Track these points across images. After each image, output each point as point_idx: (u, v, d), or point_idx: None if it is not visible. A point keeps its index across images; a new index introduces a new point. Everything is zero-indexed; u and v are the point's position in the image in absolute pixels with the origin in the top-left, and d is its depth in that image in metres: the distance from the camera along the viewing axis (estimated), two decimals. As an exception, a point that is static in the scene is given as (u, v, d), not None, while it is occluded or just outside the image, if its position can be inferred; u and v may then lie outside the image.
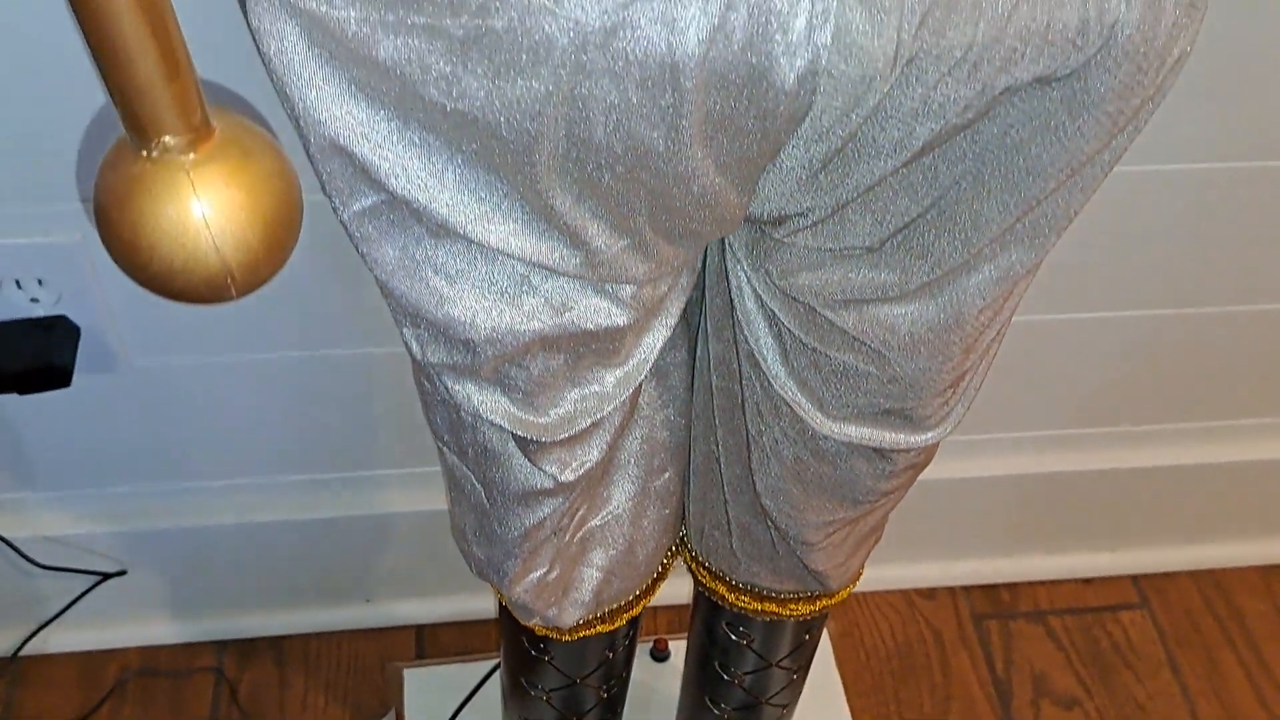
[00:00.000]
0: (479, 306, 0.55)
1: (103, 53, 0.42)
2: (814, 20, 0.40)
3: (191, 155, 0.46)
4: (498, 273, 0.54)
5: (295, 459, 1.22)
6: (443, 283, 0.55)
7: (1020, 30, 0.42)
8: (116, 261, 0.48)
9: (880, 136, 0.47)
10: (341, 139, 0.47)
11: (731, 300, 0.66)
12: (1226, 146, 1.01)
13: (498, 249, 0.52)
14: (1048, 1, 0.41)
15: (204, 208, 0.46)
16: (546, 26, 0.41)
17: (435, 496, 1.21)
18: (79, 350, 1.07)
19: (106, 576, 1.26)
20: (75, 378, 1.06)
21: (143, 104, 0.44)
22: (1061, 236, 0.54)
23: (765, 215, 0.55)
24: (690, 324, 0.73)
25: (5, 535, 1.20)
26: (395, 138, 0.48)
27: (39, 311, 1.05)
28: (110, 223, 0.47)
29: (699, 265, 0.66)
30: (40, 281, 1.04)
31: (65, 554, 1.24)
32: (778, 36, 0.40)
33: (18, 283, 1.03)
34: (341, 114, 0.47)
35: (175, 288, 0.47)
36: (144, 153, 0.46)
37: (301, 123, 0.48)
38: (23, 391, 1.05)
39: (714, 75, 0.42)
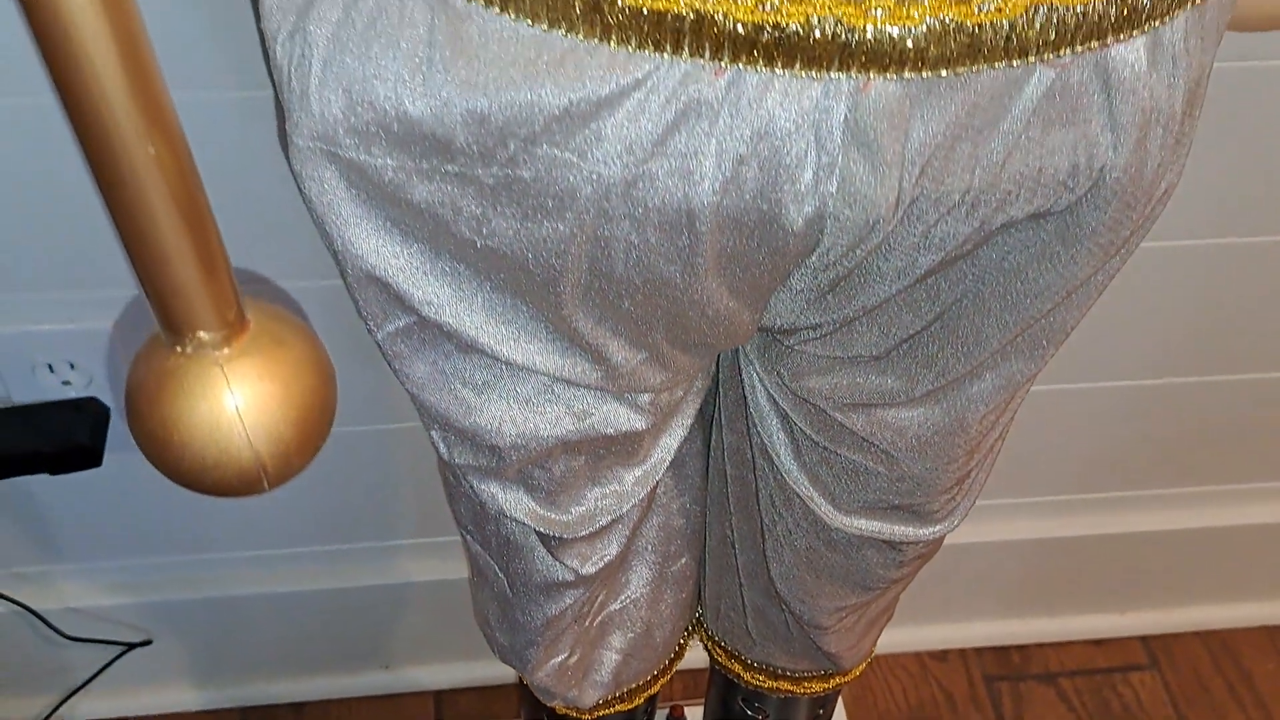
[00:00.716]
0: (505, 416, 0.58)
1: (139, 254, 0.41)
2: (820, 172, 0.43)
3: (226, 350, 0.45)
4: (522, 385, 0.57)
5: (315, 530, 1.24)
6: (470, 394, 0.57)
7: (1014, 175, 0.45)
8: (148, 456, 0.45)
9: (884, 265, 0.50)
10: (377, 271, 0.50)
11: (744, 396, 0.69)
12: (1224, 223, 1.04)
13: (523, 365, 0.54)
14: (1040, 149, 0.44)
15: (238, 402, 0.44)
16: (571, 177, 0.44)
17: (452, 565, 1.23)
18: (109, 430, 1.10)
19: (132, 646, 1.28)
20: (105, 456, 1.09)
21: (179, 303, 0.43)
22: (1060, 348, 0.57)
23: (776, 326, 0.58)
24: (704, 414, 0.75)
25: (33, 606, 1.23)
26: (427, 268, 0.51)
27: (71, 393, 1.09)
28: (142, 418, 0.45)
29: (713, 368, 0.69)
30: (72, 365, 1.07)
31: (92, 624, 1.26)
32: (787, 186, 0.43)
33: (50, 367, 1.06)
34: (377, 248, 0.50)
35: (207, 483, 0.45)
36: (178, 348, 0.44)
37: (340, 256, 0.51)
38: (54, 472, 1.08)
39: (727, 219, 0.45)
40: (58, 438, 1.06)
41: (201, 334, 0.44)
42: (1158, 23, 0.42)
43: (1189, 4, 0.43)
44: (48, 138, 0.88)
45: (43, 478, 1.12)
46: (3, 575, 1.24)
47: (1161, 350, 1.15)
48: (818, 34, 0.39)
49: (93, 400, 1.09)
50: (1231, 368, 1.19)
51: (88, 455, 1.07)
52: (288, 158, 0.49)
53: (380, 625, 1.33)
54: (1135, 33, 0.42)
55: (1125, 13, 0.41)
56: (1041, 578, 1.36)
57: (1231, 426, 1.24)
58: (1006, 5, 0.39)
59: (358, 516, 1.24)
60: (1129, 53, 0.43)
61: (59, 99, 0.34)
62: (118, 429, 1.12)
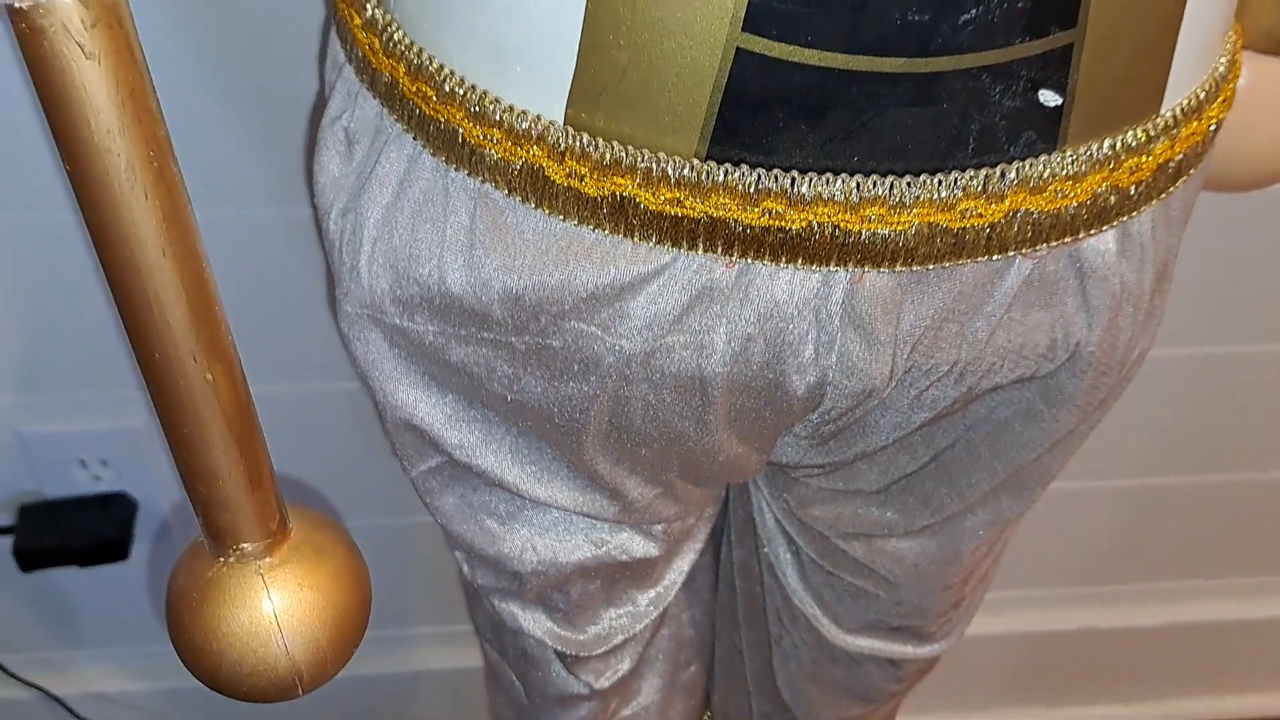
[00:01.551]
0: (527, 545, 0.62)
1: (189, 470, 0.42)
2: (820, 349, 0.47)
3: (268, 559, 0.45)
4: (544, 517, 0.61)
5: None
6: (495, 525, 0.62)
7: (997, 349, 0.49)
8: (186, 663, 0.47)
9: (881, 420, 0.54)
10: (415, 419, 0.55)
11: (753, 516, 0.73)
12: (1218, 333, 1.08)
13: (545, 501, 0.59)
14: (1020, 327, 0.49)
15: (276, 610, 0.45)
16: (596, 348, 0.48)
17: (465, 654, 1.26)
18: (135, 523, 1.14)
19: (150, 732, 1.31)
20: (131, 548, 1.13)
21: (225, 516, 0.44)
22: (1047, 488, 0.61)
23: (782, 463, 0.62)
24: (714, 529, 0.79)
25: (55, 691, 1.26)
26: (460, 416, 0.55)
27: (101, 488, 1.13)
28: (182, 627, 0.46)
29: (723, 495, 0.73)
30: (104, 461, 1.11)
31: (113, 710, 1.29)
32: (790, 360, 0.47)
33: (83, 463, 1.11)
34: (415, 399, 0.54)
35: (243, 689, 0.46)
36: (221, 559, 0.45)
37: (380, 404, 0.55)
38: (84, 564, 1.12)
39: (737, 384, 0.49)
40: (88, 533, 1.10)
41: (245, 545, 0.44)
42: (1126, 218, 0.47)
43: (1154, 199, 0.48)
44: (85, 248, 0.93)
45: (69, 567, 1.16)
46: (26, 660, 1.27)
47: (1165, 451, 1.19)
48: (818, 236, 0.43)
49: (121, 495, 1.13)
50: (1232, 467, 1.22)
51: (116, 549, 1.11)
52: (336, 319, 0.54)
53: (396, 713, 1.36)
54: (1105, 227, 0.47)
55: (1095, 212, 0.46)
56: (1042, 670, 1.39)
57: (1230, 524, 1.27)
58: (987, 211, 0.44)
59: (375, 605, 1.27)
60: (1100, 244, 0.47)
61: (124, 329, 0.37)
62: (144, 522, 1.16)
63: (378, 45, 0.47)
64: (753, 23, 0.40)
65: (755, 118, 0.42)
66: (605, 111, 0.43)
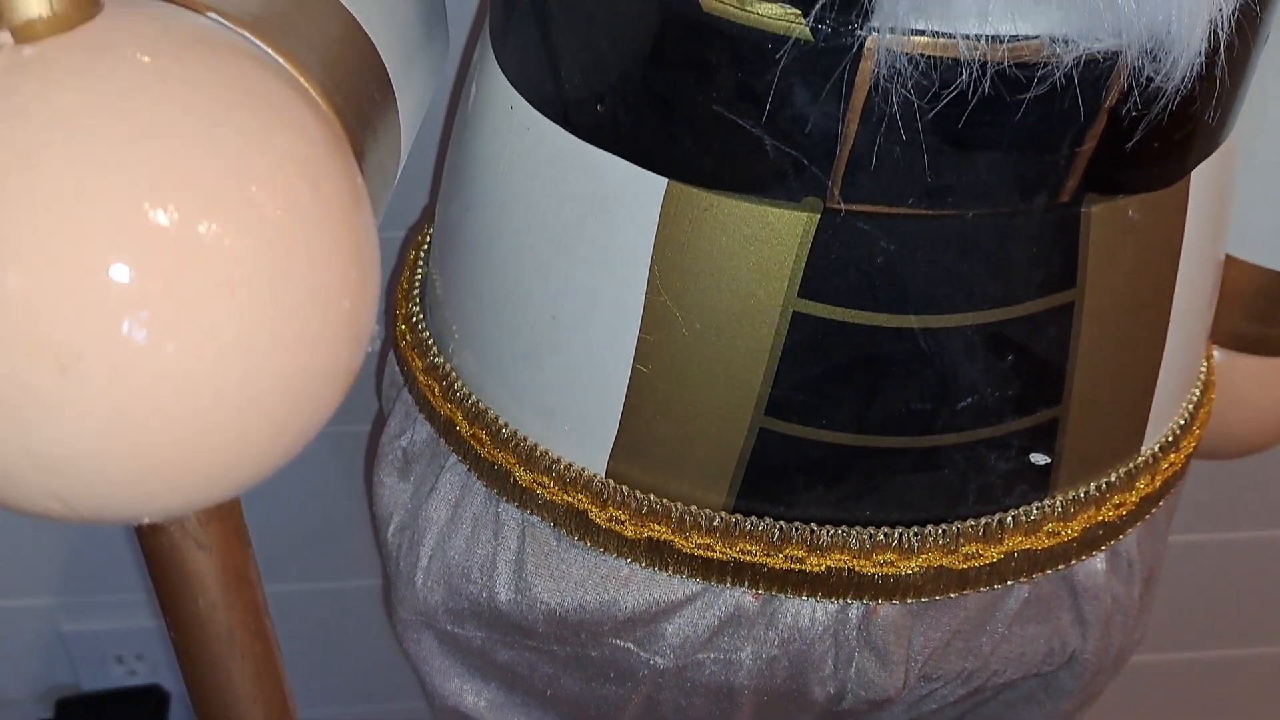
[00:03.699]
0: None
1: None
2: (839, 665, 0.51)
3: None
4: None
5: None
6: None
7: (1001, 658, 0.54)
8: None
9: (895, 710, 0.58)
10: (461, 706, 0.59)
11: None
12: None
13: None
14: (1020, 639, 0.53)
15: None
16: (632, 661, 0.53)
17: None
18: (169, 714, 1.17)
19: None
20: (162, 735, 1.16)
21: None
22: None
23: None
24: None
25: None
26: (501, 702, 0.59)
27: (136, 681, 1.16)
28: None
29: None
30: (139, 656, 1.15)
31: None
32: (811, 674, 0.52)
33: (119, 658, 1.15)
34: (461, 689, 0.59)
35: None
36: None
37: (428, 691, 0.60)
38: (119, 757, 1.15)
39: (762, 691, 0.53)
40: (123, 726, 1.14)
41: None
42: (1114, 542, 0.52)
43: (1139, 522, 0.53)
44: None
45: (101, 753, 1.19)
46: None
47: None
48: (835, 577, 0.48)
49: (155, 688, 1.17)
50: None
51: (150, 742, 1.14)
52: (390, 619, 0.58)
53: None
54: (1095, 553, 0.51)
55: (1086, 542, 0.50)
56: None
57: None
58: (987, 553, 0.49)
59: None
60: (1090, 565, 0.52)
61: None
62: (176, 713, 1.19)
63: (437, 390, 0.53)
64: (775, 409, 0.45)
65: (777, 480, 0.47)
66: (643, 467, 0.48)
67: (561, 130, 0.44)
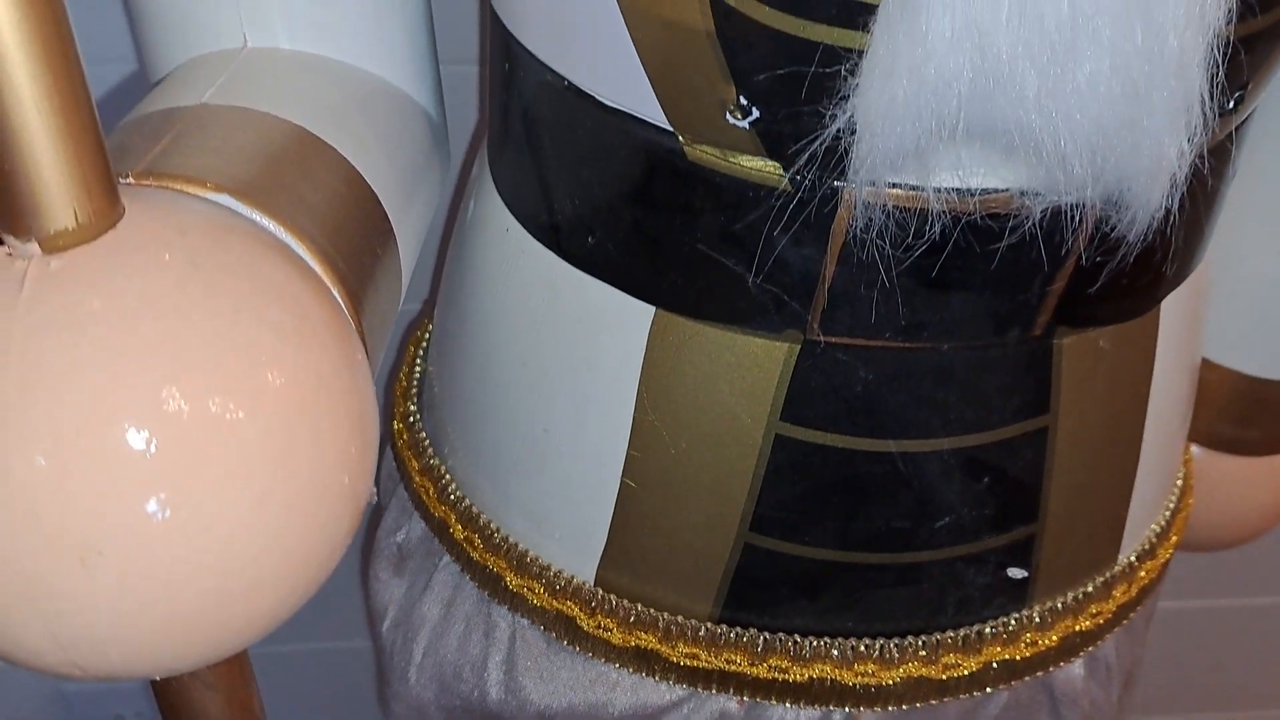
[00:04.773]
0: None
1: None
2: None
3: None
4: None
5: None
6: None
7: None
8: None
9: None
10: None
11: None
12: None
13: None
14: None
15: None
16: None
17: None
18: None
19: None
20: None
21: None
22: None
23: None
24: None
25: None
26: None
27: (134, 736, 1.18)
28: None
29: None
30: (139, 714, 1.16)
31: None
32: None
33: (119, 717, 1.16)
34: None
35: None
36: None
37: None
38: (115, 815, 1.16)
39: None
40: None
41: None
42: (1092, 648, 0.53)
43: (1117, 627, 0.54)
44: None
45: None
46: None
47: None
48: (817, 686, 0.49)
49: (154, 744, 1.18)
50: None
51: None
52: (383, 711, 0.60)
53: None
54: (1073, 659, 0.53)
55: (1064, 650, 0.52)
56: None
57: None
58: (966, 663, 0.50)
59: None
60: (1069, 671, 0.53)
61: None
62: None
63: (432, 492, 0.54)
64: (759, 525, 0.46)
65: (762, 592, 0.48)
66: (631, 576, 0.49)
67: (555, 256, 0.46)
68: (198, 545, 0.26)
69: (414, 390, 0.59)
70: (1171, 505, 0.56)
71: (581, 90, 0.41)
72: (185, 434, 0.26)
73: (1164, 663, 1.16)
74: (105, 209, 0.27)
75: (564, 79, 0.42)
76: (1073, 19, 0.31)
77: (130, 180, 0.32)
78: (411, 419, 0.57)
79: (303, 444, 0.28)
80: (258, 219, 0.33)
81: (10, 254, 0.26)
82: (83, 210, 0.26)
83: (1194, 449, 0.64)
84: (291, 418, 0.28)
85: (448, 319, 0.54)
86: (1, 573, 0.26)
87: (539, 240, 0.46)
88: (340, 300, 0.34)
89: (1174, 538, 0.55)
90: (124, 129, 0.38)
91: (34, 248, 0.26)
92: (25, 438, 0.25)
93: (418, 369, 0.60)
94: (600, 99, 0.41)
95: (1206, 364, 0.61)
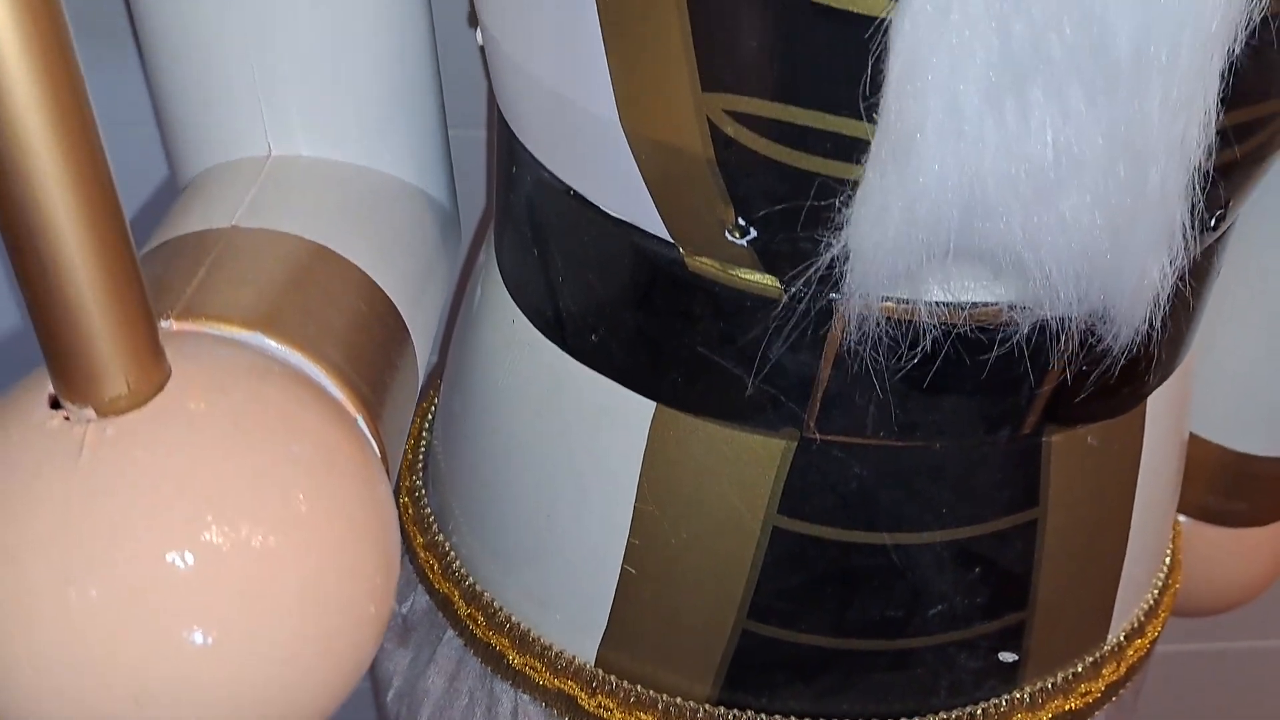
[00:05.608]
0: None
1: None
2: None
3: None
4: None
5: None
6: None
7: None
8: None
9: None
10: None
11: None
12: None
13: None
14: None
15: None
16: None
17: None
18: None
19: None
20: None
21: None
22: None
23: None
24: None
25: None
26: None
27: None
28: None
29: None
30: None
31: None
32: None
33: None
34: None
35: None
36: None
37: None
38: None
39: None
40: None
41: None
42: (1082, 725, 0.54)
43: (1107, 704, 0.55)
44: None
45: None
46: None
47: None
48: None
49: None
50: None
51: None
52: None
53: None
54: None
55: (1054, 729, 0.53)
56: None
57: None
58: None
59: None
60: None
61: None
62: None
63: (437, 568, 0.56)
64: (756, 613, 0.48)
65: (760, 676, 0.49)
66: (631, 657, 0.51)
67: (559, 349, 0.47)
68: (241, 680, 0.29)
69: (419, 464, 0.60)
70: (1160, 583, 0.57)
71: (585, 198, 0.43)
72: (225, 567, 0.28)
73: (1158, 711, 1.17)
74: (153, 374, 0.29)
75: (568, 186, 0.43)
76: (1057, 159, 0.33)
77: (172, 322, 0.35)
78: (417, 493, 0.59)
79: (331, 574, 0.30)
80: (288, 355, 0.35)
81: (69, 418, 0.28)
82: (133, 378, 0.28)
83: (1183, 519, 0.66)
84: (322, 552, 0.30)
85: (453, 400, 0.55)
86: (60, 703, 0.28)
87: (543, 333, 0.48)
88: (364, 425, 0.36)
89: (1162, 614, 0.56)
90: (162, 254, 0.40)
91: (90, 413, 0.28)
92: (82, 575, 0.27)
93: (424, 442, 0.61)
94: (603, 208, 0.42)
95: (1194, 439, 0.62)
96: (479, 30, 0.46)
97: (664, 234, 0.41)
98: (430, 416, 0.62)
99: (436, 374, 0.70)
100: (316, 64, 0.46)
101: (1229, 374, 0.60)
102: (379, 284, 0.42)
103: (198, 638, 0.28)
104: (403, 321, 0.43)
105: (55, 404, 0.29)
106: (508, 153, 0.47)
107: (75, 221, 0.25)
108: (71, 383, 0.28)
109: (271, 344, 0.35)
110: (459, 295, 0.73)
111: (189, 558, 0.28)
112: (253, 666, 0.29)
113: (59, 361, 0.27)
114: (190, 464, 0.29)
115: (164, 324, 0.35)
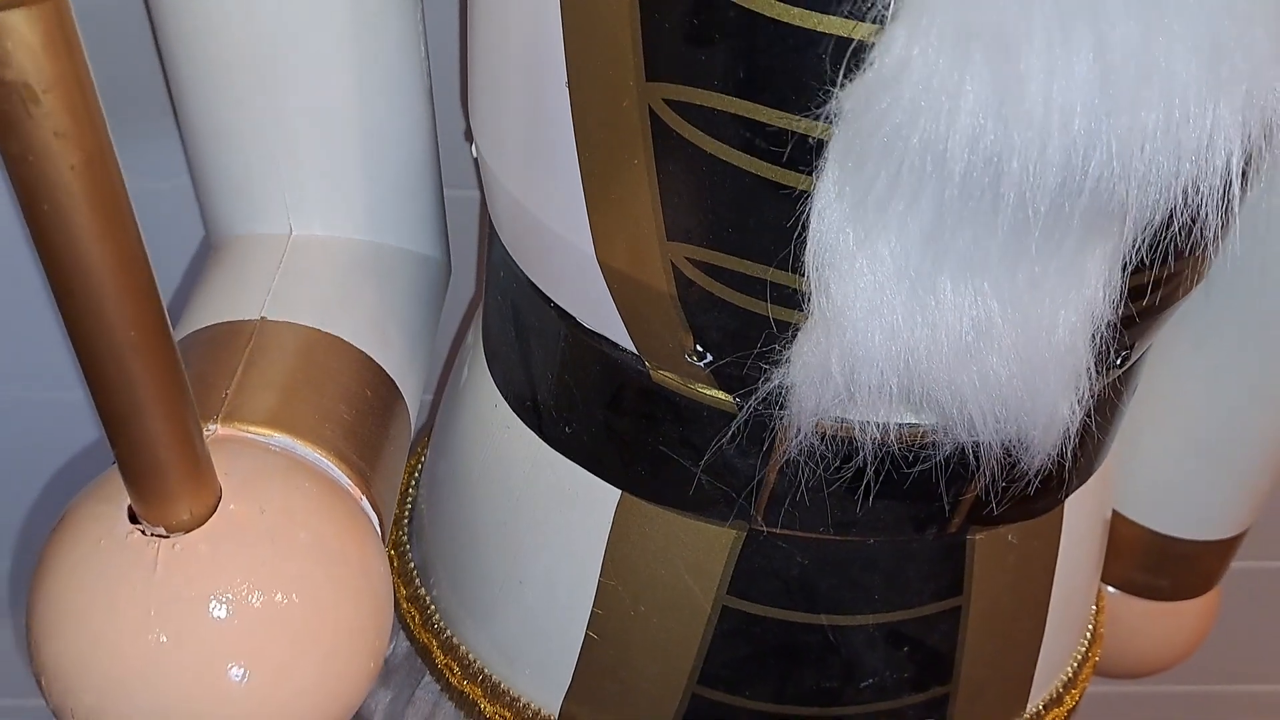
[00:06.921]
0: None
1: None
2: None
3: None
4: None
5: None
6: None
7: None
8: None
9: None
10: None
11: None
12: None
13: None
14: None
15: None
16: None
17: None
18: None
19: None
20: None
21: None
22: None
23: None
24: None
25: None
26: None
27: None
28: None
29: None
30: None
31: None
32: None
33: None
34: None
35: None
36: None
37: None
38: None
39: None
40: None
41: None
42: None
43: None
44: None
45: None
46: None
47: None
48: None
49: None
50: None
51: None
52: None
53: None
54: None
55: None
56: None
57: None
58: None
59: None
60: None
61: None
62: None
63: (418, 619, 0.60)
64: (706, 680, 0.53)
65: (709, 734, 0.55)
66: (592, 712, 0.56)
67: (536, 436, 0.52)
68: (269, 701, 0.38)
69: (405, 519, 0.65)
70: (1080, 656, 0.62)
71: (563, 309, 0.48)
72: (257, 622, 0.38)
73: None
74: (208, 499, 0.38)
75: (549, 298, 0.48)
76: (975, 326, 0.38)
77: (217, 427, 0.42)
78: (403, 547, 0.63)
79: (343, 634, 0.40)
80: (309, 454, 0.43)
81: (145, 533, 0.37)
82: (194, 507, 0.37)
83: (1111, 590, 0.71)
84: (336, 618, 0.39)
85: (438, 465, 0.60)
86: None
87: (522, 419, 0.53)
88: (368, 507, 0.44)
89: (1081, 684, 0.62)
90: (200, 343, 0.47)
91: (161, 531, 0.37)
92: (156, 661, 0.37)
93: (410, 497, 0.66)
94: (579, 319, 0.47)
95: (1120, 518, 0.67)
96: (474, 145, 0.51)
97: (632, 349, 0.46)
98: (417, 474, 0.67)
99: (425, 430, 0.74)
100: (338, 154, 0.52)
101: (1151, 464, 0.65)
102: (379, 363, 0.49)
103: (235, 674, 0.37)
104: (399, 392, 0.50)
105: (133, 517, 0.38)
106: (499, 260, 0.52)
107: (155, 402, 0.33)
108: (148, 508, 0.37)
109: (296, 446, 0.43)
110: (448, 363, 0.78)
111: (229, 614, 0.37)
112: (278, 698, 0.38)
113: (138, 493, 0.36)
114: (238, 575, 0.38)
115: (210, 428, 0.42)
